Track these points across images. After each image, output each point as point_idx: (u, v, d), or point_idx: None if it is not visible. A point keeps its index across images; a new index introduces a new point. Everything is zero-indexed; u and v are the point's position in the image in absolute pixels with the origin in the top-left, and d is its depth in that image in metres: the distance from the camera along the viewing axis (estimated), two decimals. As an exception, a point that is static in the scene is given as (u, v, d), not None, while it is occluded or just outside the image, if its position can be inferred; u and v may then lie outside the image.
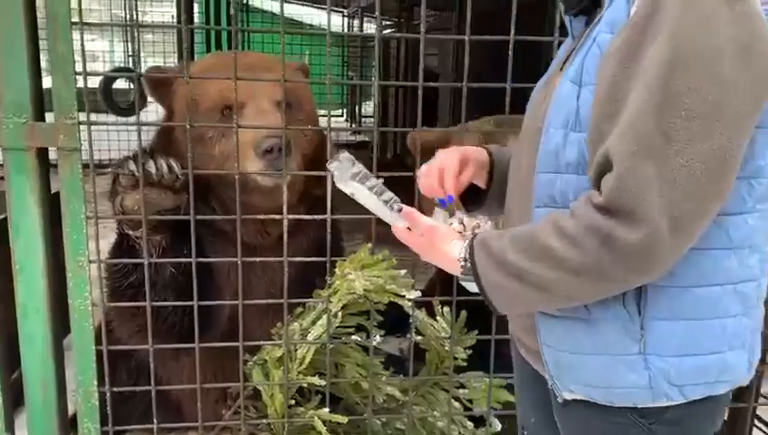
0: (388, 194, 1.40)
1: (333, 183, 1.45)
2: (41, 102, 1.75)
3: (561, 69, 1.24)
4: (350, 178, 1.43)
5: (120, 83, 10.48)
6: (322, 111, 2.17)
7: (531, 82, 1.47)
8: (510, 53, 1.79)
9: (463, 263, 1.20)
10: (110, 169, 1.84)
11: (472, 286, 1.22)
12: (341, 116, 14.79)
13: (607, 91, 1.06)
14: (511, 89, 1.87)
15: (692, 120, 0.99)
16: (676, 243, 1.03)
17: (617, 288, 1.10)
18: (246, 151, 1.91)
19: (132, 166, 1.76)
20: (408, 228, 1.32)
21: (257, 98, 2.00)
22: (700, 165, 1.00)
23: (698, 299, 1.13)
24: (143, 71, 2.31)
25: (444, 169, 1.41)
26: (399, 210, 1.33)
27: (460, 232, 1.32)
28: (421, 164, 1.46)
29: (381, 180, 1.42)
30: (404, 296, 1.82)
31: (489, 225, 1.33)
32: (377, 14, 1.89)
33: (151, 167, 1.77)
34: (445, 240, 1.25)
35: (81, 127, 1.70)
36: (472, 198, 1.48)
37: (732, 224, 1.12)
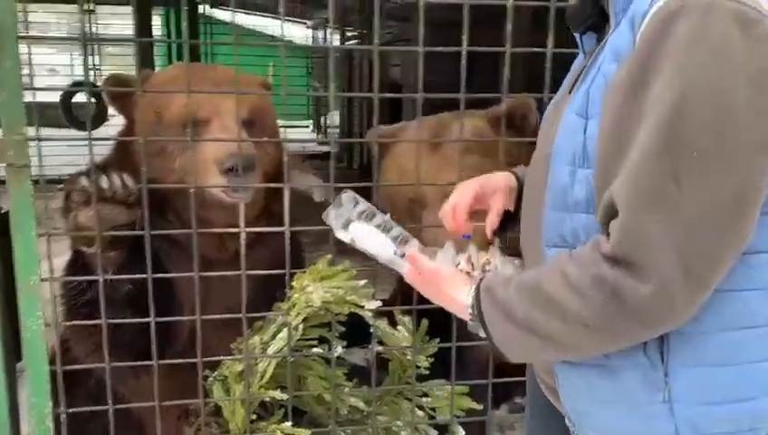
0: (397, 229, 1.36)
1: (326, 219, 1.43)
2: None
3: (570, 91, 1.19)
4: (356, 217, 1.39)
5: (81, 97, 10.32)
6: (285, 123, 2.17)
7: (496, 92, 1.46)
8: (463, 62, 1.81)
9: (471, 310, 1.16)
10: (62, 186, 1.80)
11: (481, 332, 1.18)
12: (307, 127, 14.79)
13: (612, 128, 1.01)
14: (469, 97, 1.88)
15: (705, 161, 0.92)
16: (692, 294, 0.98)
17: (630, 341, 1.05)
18: (209, 168, 1.90)
19: (85, 182, 1.73)
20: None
21: (222, 114, 1.99)
22: (716, 209, 0.94)
23: (726, 344, 1.07)
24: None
25: (455, 207, 1.36)
26: (402, 255, 1.30)
27: (468, 272, 1.28)
28: (380, 160, 1.45)
29: (388, 215, 1.37)
30: (364, 307, 1.82)
31: (499, 260, 1.28)
32: (330, 24, 1.89)
33: (104, 182, 1.74)
34: (450, 284, 1.21)
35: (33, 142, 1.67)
36: (510, 222, 1.41)
37: (757, 263, 1.05)
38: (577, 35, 1.24)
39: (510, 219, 1.43)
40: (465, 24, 1.79)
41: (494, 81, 1.73)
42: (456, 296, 1.20)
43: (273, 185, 1.93)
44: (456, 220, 1.37)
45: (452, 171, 1.68)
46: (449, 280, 1.23)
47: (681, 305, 0.98)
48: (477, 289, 1.16)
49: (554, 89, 1.37)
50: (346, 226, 1.41)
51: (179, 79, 2.06)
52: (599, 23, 1.16)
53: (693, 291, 0.97)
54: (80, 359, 2.06)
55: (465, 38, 1.79)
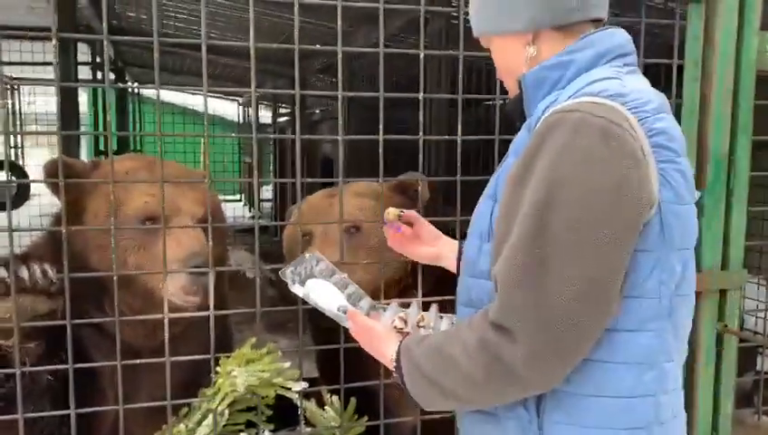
0: (353, 287, 1.52)
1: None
2: None
3: None
4: (317, 274, 1.54)
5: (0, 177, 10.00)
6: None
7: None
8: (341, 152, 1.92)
9: (394, 365, 1.30)
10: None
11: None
12: (239, 200, 14.73)
13: (503, 213, 1.19)
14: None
15: (565, 250, 1.07)
16: (558, 361, 1.11)
17: (511, 397, 1.19)
18: (170, 266, 1.84)
19: (3, 272, 1.71)
20: None
21: (182, 214, 1.99)
22: (575, 289, 1.07)
23: (592, 408, 1.18)
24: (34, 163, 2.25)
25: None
26: (344, 312, 1.45)
27: (400, 329, 1.41)
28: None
29: (345, 275, 1.54)
30: (291, 389, 1.83)
31: (434, 318, 1.43)
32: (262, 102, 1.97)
33: (24, 273, 1.73)
34: (381, 340, 1.36)
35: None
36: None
37: (622, 340, 1.16)
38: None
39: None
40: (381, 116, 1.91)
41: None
42: (385, 352, 1.34)
43: (205, 270, 1.92)
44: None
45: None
46: (381, 337, 1.37)
47: (550, 369, 1.12)
48: (399, 347, 1.30)
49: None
50: (303, 281, 1.54)
51: (137, 172, 2.06)
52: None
53: (560, 357, 1.11)
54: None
55: (381, 127, 1.91)
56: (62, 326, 1.72)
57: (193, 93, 12.94)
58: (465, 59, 1.89)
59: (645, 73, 1.33)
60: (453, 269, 1.60)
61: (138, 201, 2.00)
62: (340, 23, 1.78)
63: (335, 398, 2.05)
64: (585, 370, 1.17)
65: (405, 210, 1.66)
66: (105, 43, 1.63)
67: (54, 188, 2.01)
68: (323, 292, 1.53)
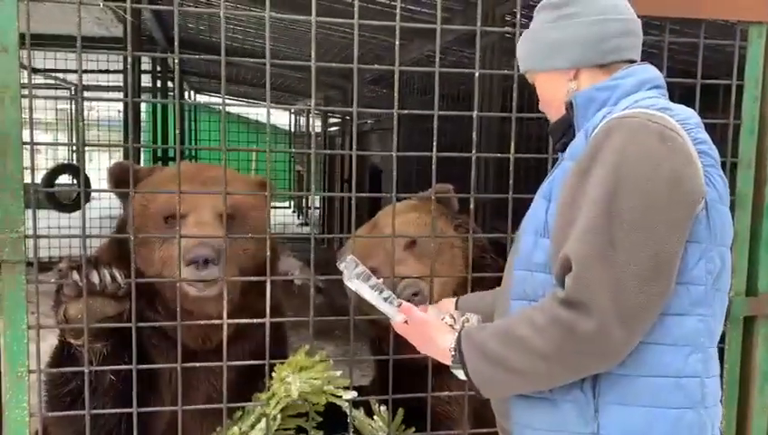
0: (387, 292, 1.61)
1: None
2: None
3: None
4: (355, 277, 1.64)
5: (63, 179, 10.44)
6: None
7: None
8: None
9: (453, 353, 1.40)
10: (53, 279, 1.88)
11: (461, 373, 1.40)
12: (289, 207, 14.96)
13: (568, 202, 1.31)
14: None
15: (632, 233, 1.23)
16: (624, 333, 1.24)
17: (579, 373, 1.29)
18: (177, 260, 1.92)
19: (76, 276, 1.82)
20: (406, 322, 1.54)
21: (199, 209, 2.09)
22: (641, 268, 1.22)
23: (644, 388, 1.29)
24: (102, 166, 2.37)
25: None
26: (399, 305, 1.54)
27: (451, 325, 1.53)
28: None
29: (381, 280, 1.64)
30: (341, 397, 1.88)
31: (476, 319, 1.53)
32: (313, 111, 2.05)
33: (95, 277, 1.82)
34: (436, 331, 1.47)
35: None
36: None
37: (672, 323, 1.30)
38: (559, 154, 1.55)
39: None
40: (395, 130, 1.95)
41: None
42: (440, 342, 1.45)
43: (252, 278, 2.02)
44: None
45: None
46: (436, 328, 1.49)
47: (618, 342, 1.23)
48: (459, 335, 1.41)
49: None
50: (349, 279, 1.67)
51: (172, 176, 2.16)
52: (570, 139, 1.48)
53: (626, 331, 1.23)
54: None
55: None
56: (125, 328, 1.83)
57: (248, 105, 13.20)
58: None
59: (703, 93, 1.45)
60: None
61: (160, 200, 2.12)
62: (398, 43, 1.83)
63: (384, 408, 2.09)
64: (638, 352, 1.28)
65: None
66: (176, 60, 1.72)
67: (113, 186, 2.17)
68: (366, 292, 1.63)
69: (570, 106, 1.46)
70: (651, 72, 1.47)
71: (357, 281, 1.64)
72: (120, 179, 2.18)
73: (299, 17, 1.97)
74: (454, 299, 1.86)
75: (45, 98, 10.79)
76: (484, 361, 1.33)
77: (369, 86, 9.21)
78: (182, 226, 2.00)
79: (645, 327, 1.26)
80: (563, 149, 1.50)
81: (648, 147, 1.25)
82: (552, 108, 1.56)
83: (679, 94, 1.79)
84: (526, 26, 1.64)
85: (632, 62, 1.48)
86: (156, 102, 9.12)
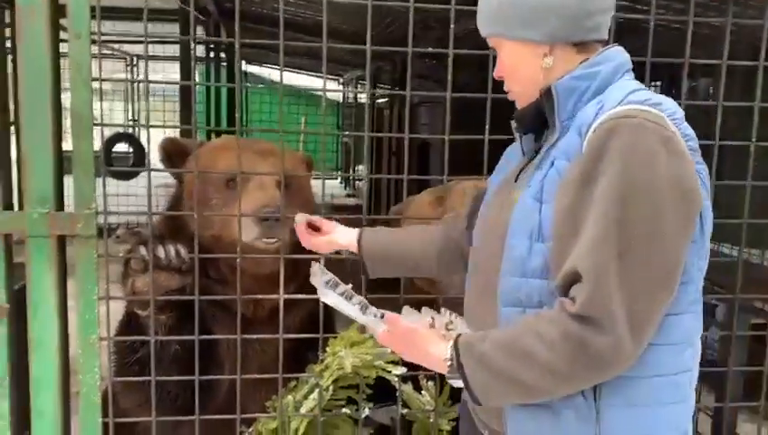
0: (357, 298, 1.54)
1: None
2: (61, 194, 1.93)
3: (516, 180, 1.42)
4: (323, 285, 1.61)
5: (120, 147, 10.75)
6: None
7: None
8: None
9: (450, 363, 1.34)
10: (122, 255, 2.00)
11: (456, 382, 1.35)
12: (336, 178, 15.09)
13: (568, 212, 1.25)
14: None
15: (641, 244, 1.19)
16: (635, 346, 1.21)
17: (586, 384, 1.27)
18: (245, 219, 2.02)
19: (143, 251, 1.92)
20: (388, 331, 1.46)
21: (259, 175, 2.17)
22: (651, 277, 1.20)
23: (643, 388, 1.28)
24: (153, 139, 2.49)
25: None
26: (382, 316, 1.46)
27: (431, 325, 1.46)
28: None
29: (350, 285, 1.58)
30: (391, 372, 1.96)
31: (460, 321, 1.46)
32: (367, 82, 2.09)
33: (160, 252, 1.93)
34: (428, 341, 1.39)
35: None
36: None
37: (671, 323, 1.29)
38: (518, 136, 1.49)
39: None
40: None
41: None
42: (434, 352, 1.37)
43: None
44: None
45: None
46: (426, 338, 1.40)
47: (629, 354, 1.21)
48: (456, 345, 1.33)
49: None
50: (324, 294, 1.64)
51: (227, 146, 2.30)
52: (538, 127, 1.42)
53: (637, 342, 1.21)
54: (128, 410, 2.22)
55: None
56: (189, 300, 1.94)
57: (299, 74, 13.28)
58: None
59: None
60: (352, 249, 1.78)
61: (220, 166, 2.21)
62: (452, 26, 1.84)
63: (431, 383, 2.16)
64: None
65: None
66: (237, 46, 1.78)
67: (165, 161, 2.30)
68: (339, 302, 1.57)
69: (546, 93, 1.35)
70: (623, 54, 1.39)
71: (332, 293, 1.58)
72: (172, 154, 2.30)
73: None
74: (353, 231, 1.80)
75: (113, 82, 11.10)
76: (486, 373, 1.28)
77: (420, 58, 9.14)
78: (244, 189, 2.08)
79: (652, 334, 1.24)
80: (530, 132, 1.44)
81: (651, 150, 1.20)
82: (517, 82, 1.43)
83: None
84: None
85: (604, 42, 1.40)
86: (213, 85, 9.26)
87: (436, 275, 1.89)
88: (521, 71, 1.40)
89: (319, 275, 1.65)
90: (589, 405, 1.28)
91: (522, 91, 1.43)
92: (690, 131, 1.30)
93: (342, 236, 1.80)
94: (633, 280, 1.18)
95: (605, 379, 1.26)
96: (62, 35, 1.90)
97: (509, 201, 1.38)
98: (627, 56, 1.39)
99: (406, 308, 1.53)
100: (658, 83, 5.30)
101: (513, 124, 1.49)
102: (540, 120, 1.40)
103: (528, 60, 1.37)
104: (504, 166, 1.55)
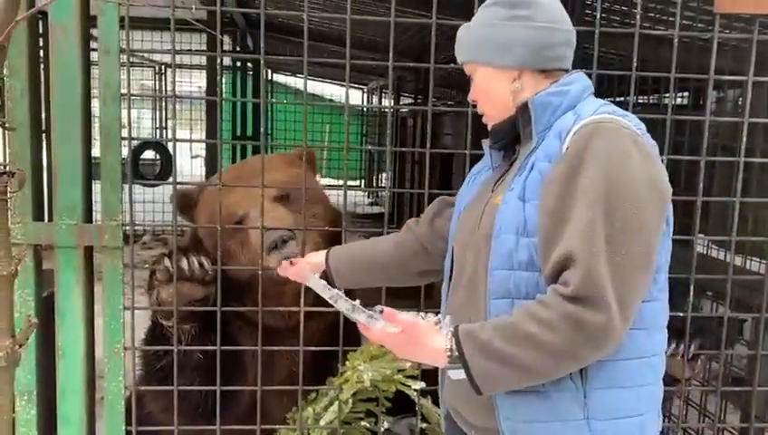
0: (346, 302, 1.54)
1: None
2: (90, 206, 1.98)
3: (492, 190, 1.54)
4: (315, 288, 1.63)
5: (147, 154, 10.91)
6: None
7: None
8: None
9: (449, 353, 1.38)
10: (147, 266, 2.04)
11: (456, 374, 1.39)
12: (359, 187, 15.11)
13: (553, 207, 1.37)
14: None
15: (624, 231, 1.32)
16: (624, 323, 1.32)
17: (582, 364, 1.36)
18: (259, 253, 2.05)
19: (168, 263, 1.96)
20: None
21: (257, 201, 2.10)
22: (635, 262, 1.32)
23: (622, 370, 1.40)
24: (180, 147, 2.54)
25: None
26: (381, 312, 1.47)
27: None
28: None
29: (337, 290, 1.60)
30: (410, 386, 1.97)
31: (448, 321, 1.46)
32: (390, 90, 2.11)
33: (184, 264, 1.96)
34: (428, 334, 1.44)
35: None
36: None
37: (645, 309, 1.41)
38: (488, 151, 1.63)
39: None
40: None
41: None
42: (432, 343, 1.42)
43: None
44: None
45: None
46: (427, 331, 1.44)
47: (619, 331, 1.31)
48: (456, 335, 1.38)
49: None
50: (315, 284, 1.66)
51: (223, 188, 2.29)
52: (509, 142, 1.57)
53: (624, 320, 1.32)
54: (153, 414, 2.26)
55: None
56: (212, 311, 1.98)
57: (321, 81, 13.36)
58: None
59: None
60: (322, 266, 1.87)
61: (223, 213, 2.13)
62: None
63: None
64: None
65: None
66: (262, 62, 1.81)
67: (180, 209, 2.35)
68: (342, 302, 1.56)
69: (522, 108, 1.51)
70: (586, 79, 1.57)
71: (327, 291, 1.59)
72: (184, 205, 2.40)
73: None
74: (323, 252, 1.91)
75: (142, 95, 11.27)
76: (489, 359, 1.33)
77: (442, 67, 9.15)
78: (248, 223, 2.12)
79: (635, 315, 1.35)
80: (502, 149, 1.59)
81: (627, 150, 1.35)
82: (490, 103, 1.59)
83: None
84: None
85: (567, 70, 1.57)
86: (240, 101, 9.37)
87: (408, 273, 1.89)
88: (493, 93, 1.56)
89: (312, 279, 1.69)
90: (577, 387, 1.38)
91: (493, 113, 1.59)
92: (652, 141, 1.47)
93: (314, 257, 1.92)
94: (620, 263, 1.30)
95: (601, 355, 1.34)
96: (93, 44, 1.95)
97: (491, 206, 1.49)
98: (589, 81, 1.58)
99: (385, 309, 1.52)
100: (686, 93, 5.26)
101: (486, 141, 1.62)
102: (513, 135, 1.55)
103: (499, 83, 1.54)
104: (472, 181, 1.69)
